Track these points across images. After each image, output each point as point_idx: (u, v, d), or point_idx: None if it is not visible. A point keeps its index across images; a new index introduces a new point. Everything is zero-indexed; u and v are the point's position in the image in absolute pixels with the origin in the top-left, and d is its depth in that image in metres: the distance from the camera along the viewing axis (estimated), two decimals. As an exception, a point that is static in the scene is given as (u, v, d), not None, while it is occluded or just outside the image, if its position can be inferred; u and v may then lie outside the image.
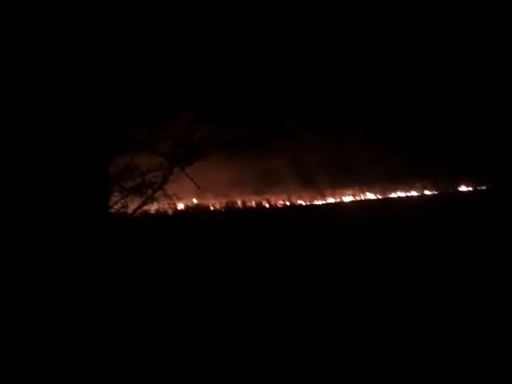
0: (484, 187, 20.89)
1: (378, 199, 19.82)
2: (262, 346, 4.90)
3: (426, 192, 19.84)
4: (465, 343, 4.31)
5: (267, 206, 18.63)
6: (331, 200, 18.20)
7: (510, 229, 12.38)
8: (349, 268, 9.69)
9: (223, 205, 18.55)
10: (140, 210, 13.61)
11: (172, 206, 14.67)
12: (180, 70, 12.56)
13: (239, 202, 18.99)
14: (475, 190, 20.86)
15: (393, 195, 19.57)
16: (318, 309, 7.01)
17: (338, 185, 18.49)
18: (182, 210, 16.67)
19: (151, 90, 12.29)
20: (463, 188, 19.81)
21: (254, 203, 18.97)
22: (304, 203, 18.74)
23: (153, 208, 14.47)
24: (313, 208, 19.84)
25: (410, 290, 7.62)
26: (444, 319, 5.99)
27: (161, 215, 14.55)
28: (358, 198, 19.46)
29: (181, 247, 12.77)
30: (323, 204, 18.66)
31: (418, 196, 20.17)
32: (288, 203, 18.57)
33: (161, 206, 14.40)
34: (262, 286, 8.58)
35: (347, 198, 18.75)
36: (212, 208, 18.24)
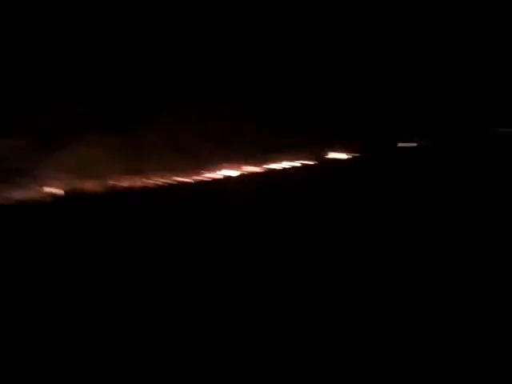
0: (356, 153, 22.22)
1: (256, 172, 20.02)
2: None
3: (302, 161, 20.53)
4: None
5: (150, 184, 17.99)
6: (212, 174, 17.97)
7: (382, 196, 13.38)
8: (239, 242, 9.86)
9: (100, 187, 17.43)
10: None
11: (40, 191, 13.44)
12: (52, 45, 11.45)
13: (116, 183, 18.03)
14: (347, 157, 22.13)
15: (269, 166, 19.90)
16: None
17: (219, 158, 18.26)
18: (51, 196, 15.26)
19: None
20: (335, 155, 20.80)
21: (137, 183, 18.18)
22: (190, 180, 18.35)
23: (17, 195, 13.25)
24: (195, 184, 19.53)
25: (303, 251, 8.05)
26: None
27: (26, 203, 13.31)
28: (237, 172, 19.44)
29: (53, 236, 11.91)
30: (204, 179, 18.37)
31: (294, 166, 20.86)
32: (169, 181, 18.02)
33: (25, 192, 13.14)
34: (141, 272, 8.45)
35: (228, 172, 18.60)
36: (87, 192, 17.05)
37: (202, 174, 18.10)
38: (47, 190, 14.75)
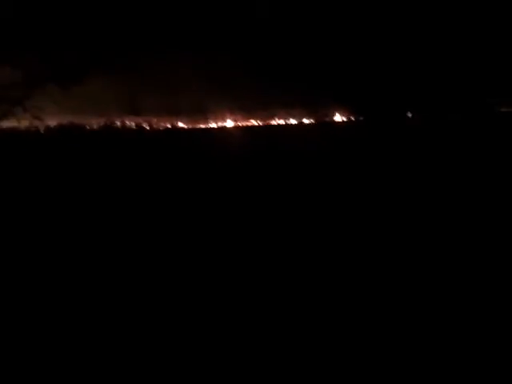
0: (359, 118, 22.23)
1: (259, 126, 20.04)
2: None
3: (304, 120, 20.48)
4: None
5: (148, 128, 17.91)
6: (213, 125, 17.99)
7: (382, 158, 13.31)
8: (232, 196, 9.77)
9: (101, 124, 17.40)
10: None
11: (40, 123, 13.42)
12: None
13: (118, 123, 17.96)
14: (348, 121, 22.06)
15: (273, 122, 19.91)
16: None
17: (221, 109, 18.25)
18: (51, 129, 15.29)
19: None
20: (338, 118, 20.75)
21: (133, 124, 18.09)
22: (186, 126, 18.29)
23: (20, 125, 13.14)
24: (195, 132, 19.54)
25: (290, 216, 7.91)
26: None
27: (25, 133, 13.28)
28: (240, 124, 19.50)
29: (52, 170, 11.92)
30: (206, 128, 18.39)
31: (296, 124, 20.77)
32: (170, 126, 18.00)
33: (25, 123, 13.09)
34: (145, 215, 8.37)
35: (230, 124, 18.64)
36: (88, 128, 17.03)
37: (205, 122, 17.94)
38: (39, 121, 14.71)
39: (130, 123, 18.20)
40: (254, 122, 20.16)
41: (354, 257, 5.44)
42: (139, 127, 17.39)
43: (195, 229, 7.46)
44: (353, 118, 22.60)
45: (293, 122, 21.04)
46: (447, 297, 3.96)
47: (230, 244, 6.54)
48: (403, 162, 13.06)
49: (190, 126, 17.67)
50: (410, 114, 21.72)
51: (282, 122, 20.32)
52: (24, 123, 12.76)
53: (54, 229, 7.37)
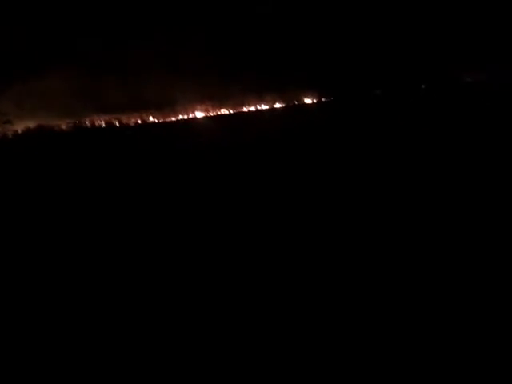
0: (328, 99, 22.46)
1: (231, 114, 20.15)
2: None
3: (276, 105, 20.70)
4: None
5: (118, 125, 17.70)
6: (184, 116, 17.94)
7: (355, 136, 13.43)
8: (207, 186, 9.75)
9: (70, 125, 17.07)
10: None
11: (6, 128, 13.17)
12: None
13: (87, 122, 17.64)
14: (318, 102, 22.37)
15: (244, 109, 20.05)
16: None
17: (190, 101, 18.15)
18: (18, 134, 14.97)
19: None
20: (308, 100, 21.02)
21: (103, 123, 17.81)
22: (156, 120, 18.20)
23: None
24: (166, 125, 19.41)
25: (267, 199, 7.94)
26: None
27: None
28: (211, 114, 19.50)
29: (22, 175, 11.72)
30: (176, 121, 18.31)
31: (268, 109, 20.97)
32: (140, 121, 17.83)
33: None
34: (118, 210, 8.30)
35: (200, 114, 18.68)
36: (56, 129, 16.70)
37: (175, 115, 17.66)
38: (5, 126, 14.40)
39: (100, 121, 17.96)
40: (224, 111, 20.28)
41: (328, 241, 5.48)
42: (109, 124, 17.16)
43: (172, 221, 7.43)
44: (323, 99, 22.86)
45: (264, 107, 21.28)
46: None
47: (206, 233, 6.54)
48: (375, 138, 13.20)
49: (161, 120, 17.61)
50: (378, 91, 22.16)
51: (253, 108, 20.59)
52: None
53: (28, 231, 7.30)
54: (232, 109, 18.19)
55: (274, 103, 19.06)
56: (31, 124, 14.98)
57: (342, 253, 4.84)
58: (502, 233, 4.83)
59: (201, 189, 9.68)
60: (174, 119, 17.92)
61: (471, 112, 14.12)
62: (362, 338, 3.23)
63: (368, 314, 3.58)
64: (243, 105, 18.90)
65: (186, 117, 18.17)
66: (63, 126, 16.37)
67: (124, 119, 17.83)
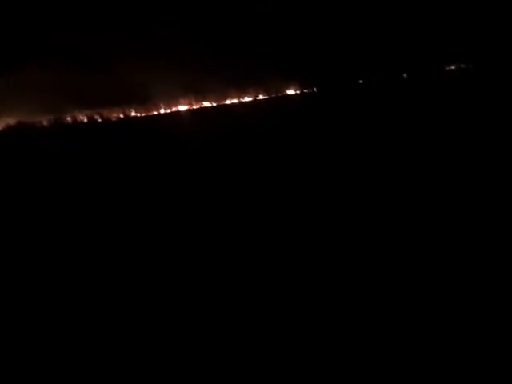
0: (310, 90, 22.53)
1: (214, 106, 20.03)
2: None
3: (259, 97, 20.70)
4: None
5: (99, 120, 17.46)
6: (167, 110, 17.77)
7: (340, 124, 13.45)
8: (192, 177, 9.69)
9: (51, 121, 16.75)
10: None
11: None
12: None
13: (69, 118, 17.35)
14: (301, 93, 22.43)
15: (227, 102, 19.96)
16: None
17: (173, 95, 17.95)
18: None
19: None
20: (291, 92, 21.03)
21: (85, 118, 17.54)
22: (138, 115, 17.99)
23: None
24: (148, 120, 19.20)
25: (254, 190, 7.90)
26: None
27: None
28: (194, 107, 19.34)
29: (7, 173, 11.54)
30: (158, 115, 18.11)
31: (251, 101, 20.96)
32: (122, 116, 17.61)
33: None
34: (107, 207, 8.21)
35: (183, 107, 18.55)
36: (38, 126, 16.40)
37: (157, 108, 17.51)
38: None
39: (81, 117, 17.66)
40: (207, 104, 20.16)
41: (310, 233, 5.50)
42: (91, 120, 16.91)
43: (155, 215, 7.39)
44: (306, 90, 22.87)
45: (247, 99, 21.26)
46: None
47: (191, 225, 6.53)
48: (358, 127, 13.25)
49: (143, 114, 17.40)
50: (360, 81, 22.26)
51: (236, 100, 20.52)
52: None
53: (10, 229, 7.19)
54: (215, 102, 18.10)
55: (257, 95, 19.01)
56: (11, 121, 14.75)
57: (328, 244, 4.85)
58: (485, 222, 4.89)
59: (186, 182, 9.65)
60: (156, 113, 17.79)
61: (454, 99, 14.27)
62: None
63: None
64: (226, 97, 18.78)
65: (168, 110, 18.04)
66: (44, 123, 16.06)
67: (106, 114, 17.59)
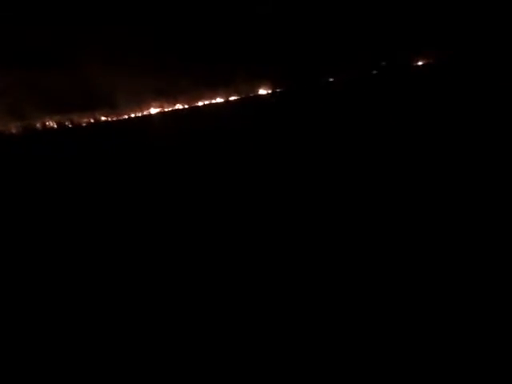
0: (281, 89, 22.69)
1: (186, 108, 19.95)
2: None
3: (231, 98, 20.70)
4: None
5: (70, 125, 17.14)
6: (138, 114, 17.60)
7: (313, 123, 13.41)
8: (166, 181, 9.54)
9: (20, 129, 16.37)
10: None
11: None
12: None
13: (38, 124, 16.99)
14: (273, 93, 22.59)
15: (199, 103, 19.87)
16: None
17: (145, 98, 17.78)
18: None
19: None
20: (262, 91, 21.10)
21: (55, 124, 17.21)
22: (110, 119, 17.74)
23: None
24: (119, 124, 18.96)
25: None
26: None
27: None
28: (166, 109, 19.20)
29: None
30: (130, 118, 17.91)
31: (223, 102, 20.96)
32: (92, 120, 17.35)
33: None
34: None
35: (155, 110, 18.36)
36: (7, 133, 15.99)
37: (128, 112, 17.45)
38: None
39: (51, 123, 17.30)
40: (179, 106, 20.04)
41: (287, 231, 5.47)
42: (61, 125, 16.63)
43: (127, 220, 7.28)
44: (277, 90, 23.03)
45: (219, 100, 21.20)
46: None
47: (164, 229, 6.45)
48: (330, 125, 13.28)
49: (114, 118, 17.13)
50: (331, 79, 22.46)
51: (207, 101, 20.47)
52: None
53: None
54: (187, 103, 17.97)
55: (229, 96, 18.97)
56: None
57: (317, 244, 4.84)
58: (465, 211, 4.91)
59: (160, 187, 9.53)
60: (127, 117, 17.62)
61: (424, 95, 14.47)
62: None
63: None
64: (198, 99, 18.68)
65: (140, 114, 17.91)
66: (13, 130, 15.70)
67: (76, 119, 17.33)
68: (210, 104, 20.26)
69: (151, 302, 4.42)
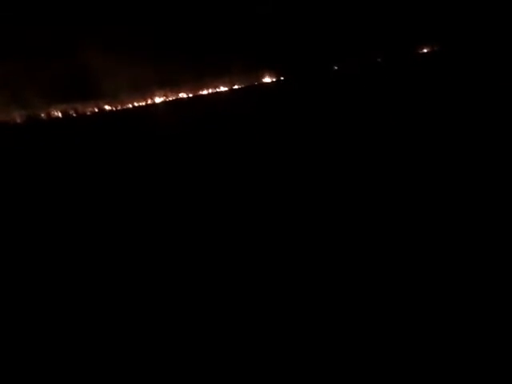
0: (287, 77, 22.51)
1: (189, 97, 19.80)
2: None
3: (235, 86, 20.56)
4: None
5: (74, 115, 17.11)
6: (142, 103, 17.48)
7: (318, 112, 13.43)
8: (171, 172, 9.60)
9: (25, 118, 16.33)
10: None
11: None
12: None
13: (43, 114, 16.93)
14: (278, 81, 22.41)
15: (204, 92, 19.71)
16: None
17: (149, 87, 17.65)
18: None
19: None
20: (267, 79, 20.97)
21: (60, 113, 17.14)
22: (114, 109, 17.69)
23: None
24: (123, 113, 18.93)
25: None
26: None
27: None
28: (170, 98, 19.07)
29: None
30: (134, 108, 17.82)
31: (227, 90, 20.81)
32: (96, 109, 17.25)
33: None
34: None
35: (159, 99, 18.26)
36: (12, 123, 15.95)
37: (135, 100, 17.33)
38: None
39: (56, 112, 17.24)
40: (183, 95, 19.89)
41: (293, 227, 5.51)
42: (65, 115, 16.55)
43: (133, 212, 7.34)
44: (282, 78, 22.80)
45: (223, 89, 21.04)
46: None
47: (169, 222, 6.50)
48: (336, 114, 13.25)
49: (119, 107, 17.07)
50: (335, 67, 22.28)
51: (211, 90, 20.31)
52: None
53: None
54: (191, 92, 17.81)
55: (233, 85, 18.80)
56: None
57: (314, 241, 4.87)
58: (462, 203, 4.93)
59: (165, 176, 9.58)
60: (131, 106, 17.56)
61: (429, 83, 14.39)
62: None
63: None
64: (202, 88, 18.53)
65: (143, 103, 17.85)
66: (18, 120, 15.64)
67: (80, 108, 17.27)
68: (215, 93, 20.12)
69: (150, 298, 4.49)
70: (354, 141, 9.46)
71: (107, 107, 16.34)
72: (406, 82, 15.67)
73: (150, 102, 17.27)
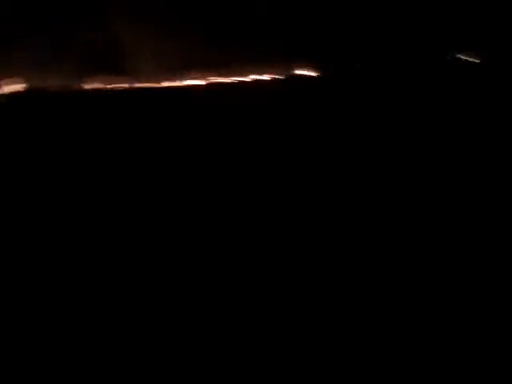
0: (328, 72, 22.05)
1: (228, 83, 19.36)
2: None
3: (271, 76, 20.22)
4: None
5: (106, 88, 17.07)
6: (174, 83, 17.29)
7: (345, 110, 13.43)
8: (206, 156, 9.74)
9: (63, 88, 16.34)
10: None
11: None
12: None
13: (85, 85, 16.93)
14: (319, 75, 21.97)
15: (247, 79, 19.35)
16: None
17: (185, 66, 17.43)
18: (6, 96, 14.14)
19: None
20: (309, 73, 20.58)
21: (97, 85, 17.10)
22: (146, 86, 17.60)
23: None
24: (159, 91, 18.79)
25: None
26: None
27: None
28: (205, 82, 18.72)
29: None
30: (167, 87, 17.64)
31: (268, 80, 20.50)
32: (127, 86, 17.15)
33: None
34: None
35: (194, 81, 17.94)
36: (49, 92, 15.96)
37: (168, 81, 17.46)
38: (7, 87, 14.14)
39: (92, 84, 17.22)
40: (223, 79, 19.49)
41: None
42: (96, 89, 16.57)
43: (160, 198, 7.49)
44: (324, 72, 22.33)
45: (265, 77, 20.61)
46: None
47: (198, 211, 6.63)
48: (365, 111, 13.17)
49: (151, 85, 16.86)
50: (358, 65, 21.68)
51: (253, 77, 19.84)
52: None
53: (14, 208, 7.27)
54: (230, 77, 17.63)
55: (263, 74, 18.61)
56: (19, 87, 14.42)
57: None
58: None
59: (195, 163, 9.65)
60: (163, 85, 17.55)
61: (464, 92, 14.19)
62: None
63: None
64: (242, 74, 18.35)
65: (175, 84, 17.84)
66: (54, 89, 15.75)
67: (114, 83, 17.30)
68: (255, 80, 19.84)
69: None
70: (381, 146, 9.54)
71: (138, 85, 16.29)
72: (438, 87, 15.49)
73: (185, 83, 17.12)
